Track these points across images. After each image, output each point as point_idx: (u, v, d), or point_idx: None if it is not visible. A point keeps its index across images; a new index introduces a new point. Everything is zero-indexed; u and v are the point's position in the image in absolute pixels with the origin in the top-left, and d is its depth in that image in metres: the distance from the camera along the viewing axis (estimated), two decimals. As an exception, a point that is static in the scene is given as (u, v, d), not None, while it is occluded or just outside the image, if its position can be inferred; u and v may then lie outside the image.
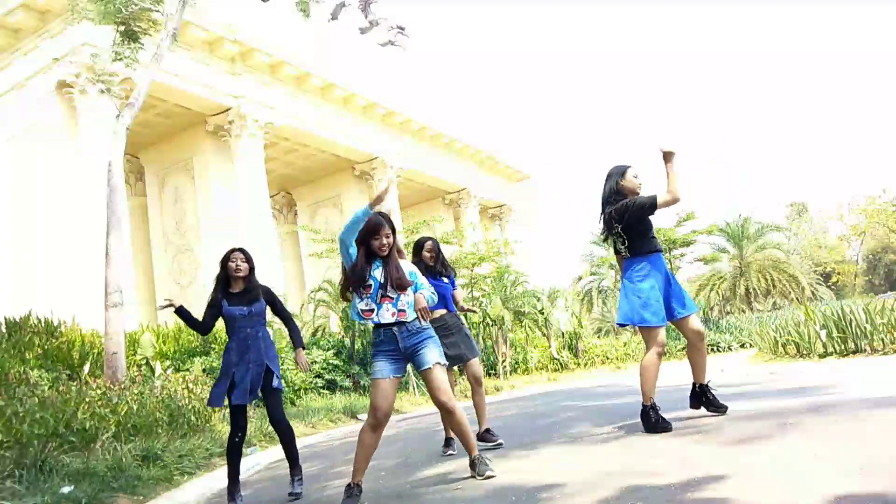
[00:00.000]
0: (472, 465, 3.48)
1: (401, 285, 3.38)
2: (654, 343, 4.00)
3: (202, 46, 18.06)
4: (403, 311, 3.39)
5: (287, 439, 4.08)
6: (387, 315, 3.37)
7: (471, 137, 29.39)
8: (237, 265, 4.09)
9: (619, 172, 4.23)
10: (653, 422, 3.90)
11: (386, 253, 3.41)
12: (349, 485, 3.33)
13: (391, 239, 3.42)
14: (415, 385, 12.83)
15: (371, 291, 3.37)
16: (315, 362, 12.05)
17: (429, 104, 27.04)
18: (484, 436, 4.47)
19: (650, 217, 4.14)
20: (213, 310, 4.10)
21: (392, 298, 3.38)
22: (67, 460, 4.69)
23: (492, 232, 31.95)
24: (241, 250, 4.18)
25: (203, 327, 4.12)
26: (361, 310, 3.39)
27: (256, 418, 8.40)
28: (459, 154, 29.34)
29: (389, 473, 4.21)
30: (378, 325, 3.40)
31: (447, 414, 3.48)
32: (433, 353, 3.39)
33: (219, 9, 17.70)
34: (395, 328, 3.38)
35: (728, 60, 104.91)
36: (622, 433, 4.16)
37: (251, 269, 4.15)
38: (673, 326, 4.31)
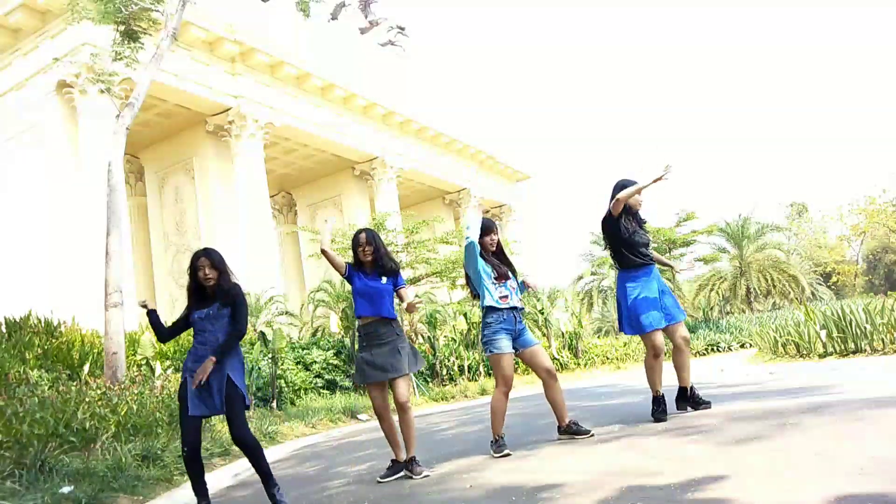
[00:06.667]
0: (567, 429, 4.17)
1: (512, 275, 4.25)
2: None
3: (202, 46, 18.05)
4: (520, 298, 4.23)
5: (252, 455, 3.56)
6: (515, 299, 4.14)
7: (471, 137, 29.35)
8: (205, 274, 3.66)
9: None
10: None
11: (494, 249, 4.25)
12: (496, 438, 4.06)
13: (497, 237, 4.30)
14: (414, 385, 12.82)
15: (504, 280, 4.15)
16: (315, 362, 12.06)
17: (429, 104, 27.01)
18: (412, 467, 3.91)
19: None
20: (179, 323, 3.77)
21: (516, 287, 4.20)
22: (67, 460, 4.69)
23: (492, 232, 31.89)
24: (207, 253, 3.72)
25: (160, 335, 3.81)
26: (500, 296, 4.08)
27: (256, 418, 8.41)
28: (459, 154, 29.32)
29: (389, 473, 4.20)
30: (498, 308, 4.06)
31: (551, 380, 4.15)
32: (533, 335, 4.22)
33: (219, 9, 17.70)
34: (514, 311, 4.12)
35: (729, 60, 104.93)
36: (622, 433, 4.16)
37: (220, 273, 3.68)
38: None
